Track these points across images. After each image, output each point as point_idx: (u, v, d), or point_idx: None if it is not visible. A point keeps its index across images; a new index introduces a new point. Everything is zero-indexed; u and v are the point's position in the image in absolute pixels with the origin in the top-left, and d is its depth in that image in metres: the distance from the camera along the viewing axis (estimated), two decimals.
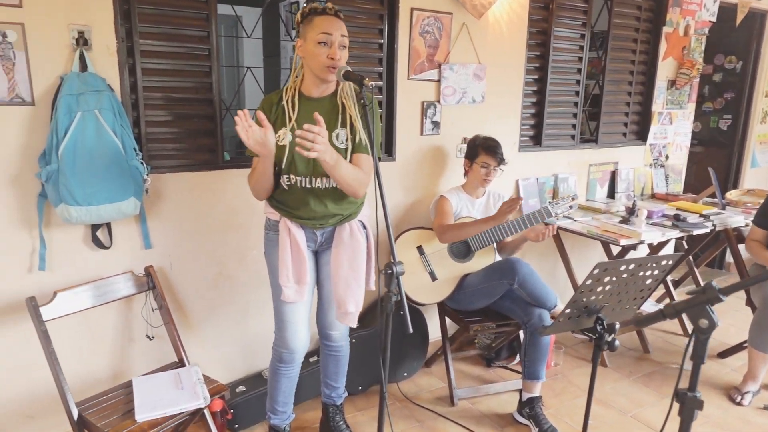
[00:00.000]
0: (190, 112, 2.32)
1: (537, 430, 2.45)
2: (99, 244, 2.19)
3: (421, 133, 2.89)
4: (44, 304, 1.90)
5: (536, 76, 3.26)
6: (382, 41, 2.70)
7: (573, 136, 3.49)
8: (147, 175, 2.11)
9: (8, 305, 2.08)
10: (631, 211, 3.07)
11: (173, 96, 2.27)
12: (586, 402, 1.86)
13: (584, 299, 1.73)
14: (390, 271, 1.60)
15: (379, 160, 1.88)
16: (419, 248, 2.68)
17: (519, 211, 3.08)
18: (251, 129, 1.74)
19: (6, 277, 2.06)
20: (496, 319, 2.67)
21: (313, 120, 1.74)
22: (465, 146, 2.90)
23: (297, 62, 1.99)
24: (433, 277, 2.65)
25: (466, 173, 2.78)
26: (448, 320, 2.85)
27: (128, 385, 2.01)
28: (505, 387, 2.82)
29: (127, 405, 1.89)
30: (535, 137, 3.38)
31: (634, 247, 2.97)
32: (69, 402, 1.83)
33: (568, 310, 1.75)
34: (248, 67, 2.88)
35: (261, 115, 1.79)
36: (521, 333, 2.85)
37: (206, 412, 2.15)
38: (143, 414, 1.81)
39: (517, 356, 3.09)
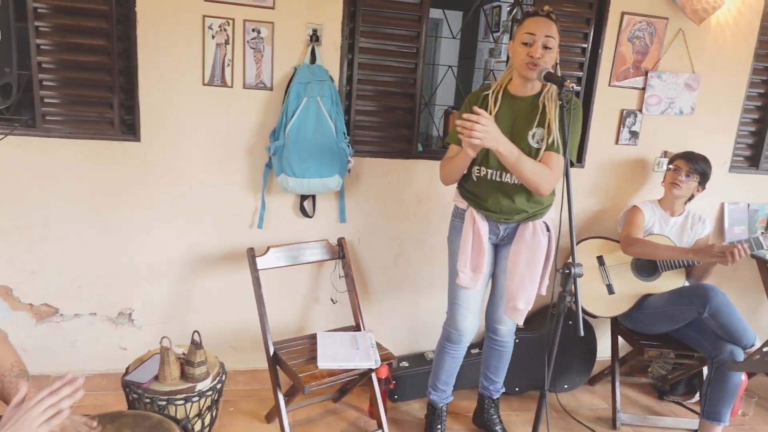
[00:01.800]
0: (393, 104, 2.55)
1: None
2: (304, 212, 2.52)
3: (616, 142, 2.78)
4: (259, 256, 2.27)
5: (762, 90, 2.91)
6: (586, 45, 2.65)
7: None
8: (351, 156, 2.38)
9: (231, 254, 2.51)
10: None
11: (380, 89, 2.51)
12: None
13: None
14: (568, 271, 1.62)
15: (572, 165, 1.88)
16: (599, 258, 2.60)
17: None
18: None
19: (233, 231, 2.49)
20: (676, 347, 2.47)
21: (512, 116, 1.79)
22: (664, 160, 2.72)
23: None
24: (611, 290, 2.55)
25: (663, 182, 2.62)
26: (620, 340, 2.71)
27: (313, 337, 2.30)
28: (678, 423, 2.60)
29: (311, 353, 2.17)
30: (752, 158, 3.02)
31: None
32: (268, 340, 2.17)
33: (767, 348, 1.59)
34: (450, 66, 3.04)
35: (477, 110, 1.77)
36: (704, 369, 2.59)
37: (373, 375, 2.36)
38: (324, 362, 2.07)
39: (697, 394, 2.81)
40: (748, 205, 3.03)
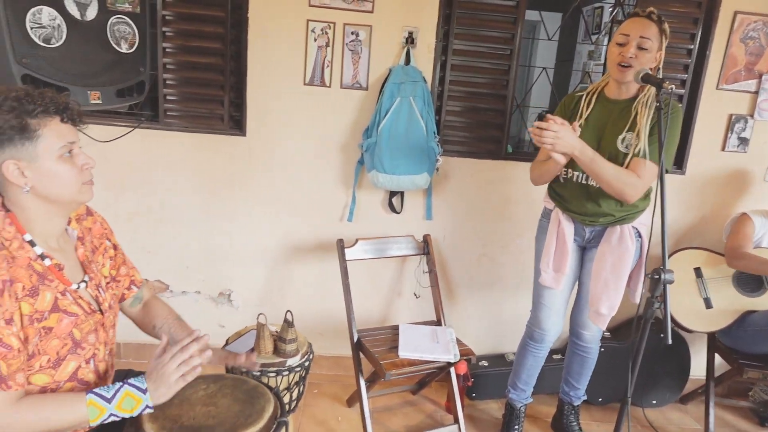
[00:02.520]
0: (483, 105, 2.58)
1: None
2: (392, 208, 2.62)
3: (723, 149, 2.62)
4: (348, 247, 2.39)
5: None
6: (692, 47, 2.53)
7: None
8: (439, 155, 2.44)
9: (321, 244, 2.66)
10: None
11: (472, 90, 2.55)
12: None
13: None
14: (657, 277, 1.58)
15: (667, 171, 1.82)
16: (697, 270, 2.47)
17: None
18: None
19: (325, 223, 2.64)
20: None
21: (604, 119, 1.77)
22: None
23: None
24: (708, 304, 2.41)
25: None
26: (718, 358, 2.55)
27: (395, 328, 2.38)
28: None
29: (393, 342, 2.25)
30: None
31: None
32: (353, 327, 2.28)
33: None
34: (543, 68, 3.01)
35: (550, 117, 1.82)
36: None
37: (452, 370, 2.40)
38: (405, 352, 2.15)
39: None
40: None
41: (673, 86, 1.64)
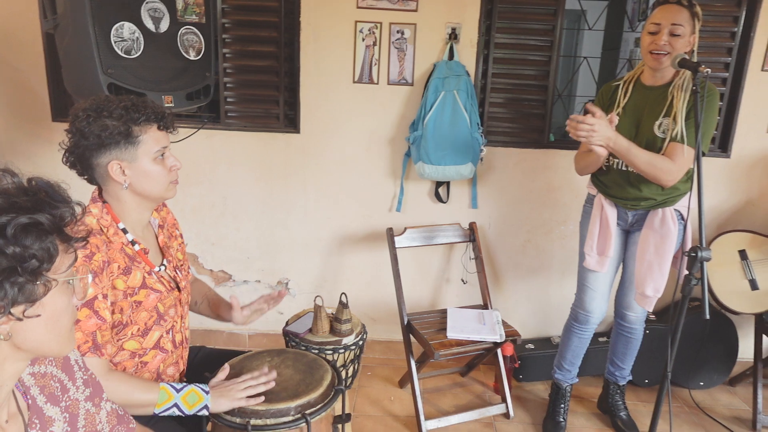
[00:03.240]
0: (526, 96, 2.66)
1: None
2: (439, 198, 2.74)
3: None
4: (397, 235, 2.53)
5: None
6: (736, 29, 2.54)
7: None
8: (483, 146, 2.55)
9: (372, 234, 2.81)
10: None
11: (514, 82, 2.64)
12: None
13: None
14: (694, 254, 1.64)
15: (704, 154, 1.87)
16: (741, 252, 2.49)
17: None
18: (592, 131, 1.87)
19: (375, 214, 2.79)
20: None
21: (642, 106, 1.84)
22: None
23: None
24: (754, 286, 2.43)
25: None
26: (765, 340, 2.56)
27: (443, 311, 2.51)
28: None
29: (441, 324, 2.38)
30: None
31: None
32: (403, 310, 2.42)
33: None
34: (585, 57, 3.06)
35: (590, 107, 1.89)
36: None
37: (499, 352, 2.51)
38: (453, 333, 2.28)
39: None
40: None
41: (709, 70, 1.69)
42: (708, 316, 1.62)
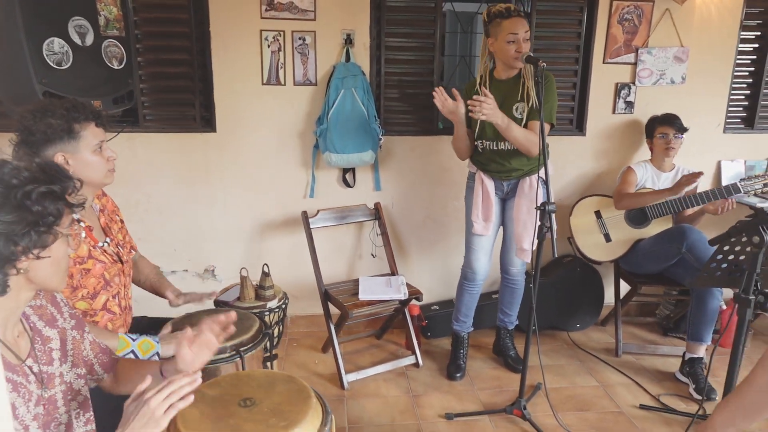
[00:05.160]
0: (415, 91, 3.08)
1: (694, 387, 2.63)
2: (346, 183, 3.10)
3: (613, 112, 3.19)
4: (311, 217, 2.86)
5: (754, 57, 3.24)
6: (581, 30, 3.09)
7: None
8: (381, 135, 2.93)
9: (290, 219, 3.12)
10: None
11: (404, 78, 3.05)
12: None
13: (731, 256, 1.89)
14: (543, 208, 2.11)
15: (552, 127, 2.41)
16: (597, 212, 3.03)
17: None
18: (446, 102, 2.38)
19: (291, 201, 3.10)
20: (668, 285, 2.87)
21: (500, 96, 2.30)
22: None
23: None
24: (608, 239, 2.98)
25: (651, 151, 3.02)
26: (622, 283, 3.12)
27: (356, 280, 2.87)
28: (672, 351, 3.00)
29: (354, 290, 2.75)
30: (748, 119, 3.34)
31: None
32: (320, 282, 2.76)
33: (713, 264, 1.98)
34: (461, 56, 3.53)
35: (455, 91, 2.42)
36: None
37: (407, 312, 2.91)
38: (365, 295, 2.65)
39: None
40: (745, 161, 3.35)
41: (545, 64, 2.18)
42: (555, 255, 2.08)
